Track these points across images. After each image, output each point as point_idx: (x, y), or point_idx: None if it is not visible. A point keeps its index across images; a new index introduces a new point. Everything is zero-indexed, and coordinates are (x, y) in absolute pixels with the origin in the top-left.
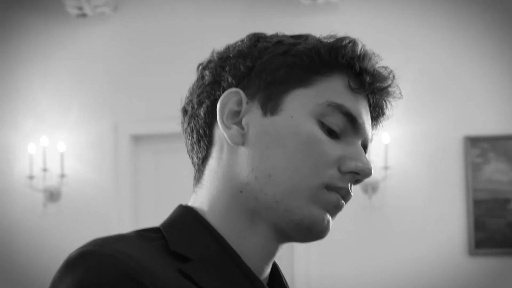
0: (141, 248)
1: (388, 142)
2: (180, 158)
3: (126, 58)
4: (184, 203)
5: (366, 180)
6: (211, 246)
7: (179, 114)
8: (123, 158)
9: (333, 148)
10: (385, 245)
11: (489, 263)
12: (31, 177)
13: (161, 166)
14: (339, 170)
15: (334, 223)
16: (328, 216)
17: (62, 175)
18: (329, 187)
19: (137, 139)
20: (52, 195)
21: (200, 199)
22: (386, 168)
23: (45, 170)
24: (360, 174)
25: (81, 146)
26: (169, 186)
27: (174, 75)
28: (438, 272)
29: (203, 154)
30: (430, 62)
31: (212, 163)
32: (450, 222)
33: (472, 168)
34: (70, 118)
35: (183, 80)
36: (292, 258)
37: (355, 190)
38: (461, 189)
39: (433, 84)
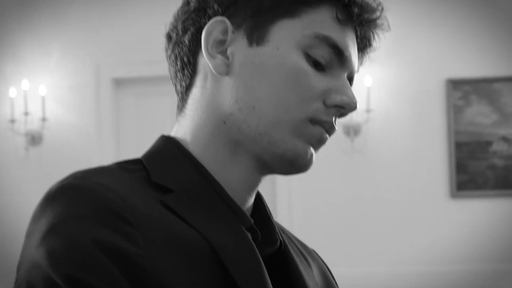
0: (122, 180)
1: (370, 85)
2: (162, 101)
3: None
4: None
5: (348, 123)
6: (193, 177)
7: (161, 57)
8: (104, 102)
9: (318, 81)
10: (367, 188)
11: (470, 205)
12: (12, 121)
13: (143, 109)
14: (324, 103)
15: (316, 167)
16: (312, 150)
17: (44, 119)
18: (313, 121)
19: (119, 83)
20: (34, 139)
21: (183, 129)
22: (368, 111)
23: (26, 113)
24: (345, 108)
25: (63, 89)
26: (151, 129)
27: (157, 18)
28: (420, 214)
29: (187, 82)
30: (413, 4)
31: (196, 92)
32: (432, 165)
33: (454, 111)
34: (51, 61)
35: (166, 23)
36: (275, 202)
37: (337, 133)
38: (443, 132)
39: (415, 26)
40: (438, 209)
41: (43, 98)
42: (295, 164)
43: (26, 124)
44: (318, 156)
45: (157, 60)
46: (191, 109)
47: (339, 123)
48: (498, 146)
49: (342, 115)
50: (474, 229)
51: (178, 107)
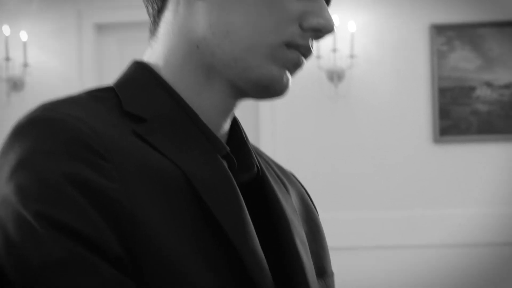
0: (94, 110)
1: (354, 31)
2: (145, 47)
3: None
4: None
5: (332, 69)
6: (166, 104)
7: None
8: (87, 47)
9: (294, 3)
10: (350, 133)
11: (453, 151)
12: None
13: (126, 55)
14: (300, 26)
15: (300, 112)
16: (288, 74)
17: (25, 64)
18: (289, 45)
19: (101, 28)
20: (16, 85)
21: (155, 54)
22: (352, 56)
23: (7, 59)
24: (322, 31)
25: (44, 35)
26: None
27: None
28: (403, 160)
29: (159, 5)
30: None
31: (168, 15)
32: (416, 110)
33: (438, 56)
34: (32, 6)
35: None
36: (258, 145)
37: (321, 79)
38: (427, 77)
39: None
40: (421, 154)
41: (24, 44)
42: (271, 89)
43: (8, 70)
44: (301, 102)
45: (141, 4)
46: (163, 33)
47: (323, 69)
48: (482, 92)
49: (318, 37)
50: (457, 174)
51: (150, 30)
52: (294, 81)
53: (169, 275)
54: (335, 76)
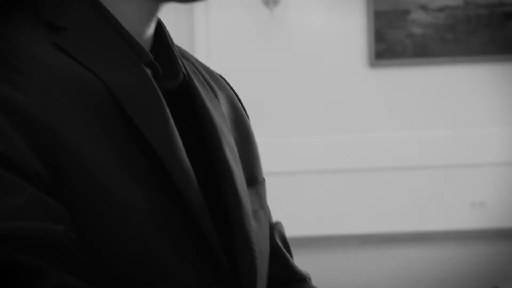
0: (9, 20)
1: None
2: None
3: None
4: None
5: None
6: (85, 11)
7: None
8: None
9: None
10: (286, 58)
11: (389, 74)
12: None
13: None
14: None
15: (235, 36)
16: None
17: None
18: None
19: None
20: None
21: None
22: None
23: None
24: None
25: None
26: None
27: None
28: (339, 83)
29: None
30: None
31: None
32: (351, 34)
33: None
34: None
35: None
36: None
37: (256, 3)
38: (362, 0)
39: None
40: (357, 78)
41: None
42: None
43: None
44: (236, 26)
45: None
46: None
47: None
48: (417, 15)
49: None
50: (392, 97)
51: None
52: (228, 5)
53: (93, 190)
54: (270, 0)
